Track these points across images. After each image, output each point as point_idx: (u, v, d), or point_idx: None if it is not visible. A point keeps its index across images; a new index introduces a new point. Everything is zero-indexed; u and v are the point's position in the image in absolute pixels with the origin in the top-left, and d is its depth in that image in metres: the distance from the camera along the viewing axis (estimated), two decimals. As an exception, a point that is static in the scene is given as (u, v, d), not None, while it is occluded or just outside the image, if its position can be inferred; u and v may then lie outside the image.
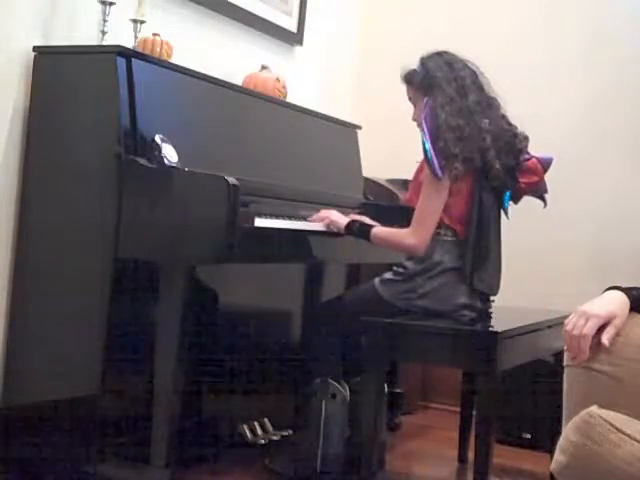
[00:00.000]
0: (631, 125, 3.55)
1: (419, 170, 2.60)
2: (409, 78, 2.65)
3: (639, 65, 3.56)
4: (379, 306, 2.54)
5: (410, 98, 2.67)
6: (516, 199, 2.67)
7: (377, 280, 2.61)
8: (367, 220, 2.70)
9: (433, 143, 2.43)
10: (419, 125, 2.59)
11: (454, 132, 2.45)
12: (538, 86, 3.68)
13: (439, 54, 2.60)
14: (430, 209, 2.50)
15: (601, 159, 3.59)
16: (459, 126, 2.46)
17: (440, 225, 2.53)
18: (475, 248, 2.54)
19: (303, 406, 2.73)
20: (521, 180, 2.62)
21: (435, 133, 2.45)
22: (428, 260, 2.53)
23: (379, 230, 2.58)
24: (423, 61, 2.60)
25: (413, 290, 2.54)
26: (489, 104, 2.58)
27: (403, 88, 2.71)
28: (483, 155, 2.51)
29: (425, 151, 2.45)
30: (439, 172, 2.43)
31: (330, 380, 2.62)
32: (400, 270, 2.58)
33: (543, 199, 2.68)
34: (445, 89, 2.51)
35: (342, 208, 2.73)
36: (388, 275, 2.60)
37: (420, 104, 2.58)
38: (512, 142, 2.59)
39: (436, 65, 2.57)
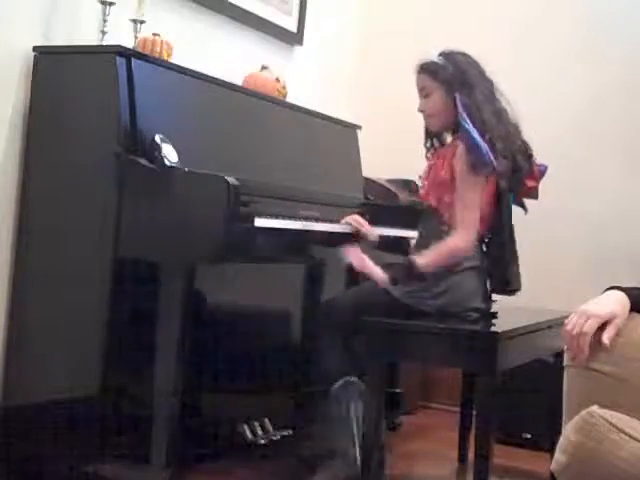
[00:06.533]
0: (628, 125, 3.55)
1: (439, 167, 2.56)
2: (433, 68, 2.58)
3: (636, 65, 3.56)
4: (387, 303, 2.49)
5: (422, 88, 2.61)
6: (515, 202, 2.67)
7: None
8: (394, 257, 2.65)
9: (482, 136, 2.43)
10: (429, 116, 2.60)
11: (496, 130, 2.47)
12: (535, 86, 3.68)
13: (463, 54, 2.59)
14: (473, 205, 2.48)
15: (598, 159, 3.59)
16: (497, 125, 2.49)
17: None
18: (499, 248, 2.55)
19: (308, 406, 2.64)
20: (528, 184, 2.63)
21: (481, 128, 2.44)
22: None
23: (426, 259, 2.46)
24: (449, 56, 2.57)
25: (427, 289, 2.49)
26: (506, 110, 2.59)
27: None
28: (514, 157, 2.52)
29: (473, 139, 2.42)
30: (492, 160, 2.42)
31: (354, 379, 2.48)
32: None
33: (523, 206, 2.68)
34: (482, 89, 2.52)
35: (342, 208, 2.73)
36: None
37: (439, 97, 2.56)
38: (526, 147, 2.60)
39: (466, 63, 2.56)
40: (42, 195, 2.43)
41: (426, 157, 2.70)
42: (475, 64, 2.58)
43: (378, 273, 2.47)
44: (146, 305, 2.31)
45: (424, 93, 2.62)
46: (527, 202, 2.69)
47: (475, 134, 2.43)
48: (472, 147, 2.43)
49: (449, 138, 2.69)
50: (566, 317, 1.67)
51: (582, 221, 3.60)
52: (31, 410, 2.39)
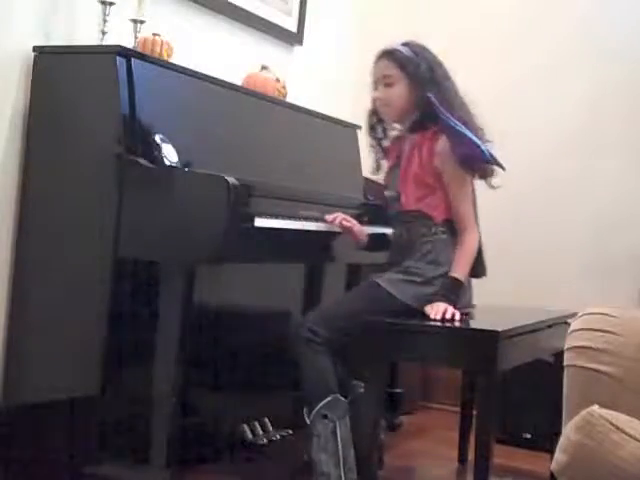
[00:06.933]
0: (630, 128, 3.55)
1: (416, 170, 2.52)
2: (401, 59, 2.52)
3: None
4: (394, 307, 2.43)
5: (387, 76, 2.53)
6: None
7: (382, 281, 2.47)
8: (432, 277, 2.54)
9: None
10: (388, 106, 2.56)
11: (477, 130, 2.47)
12: (538, 88, 3.68)
13: (429, 50, 2.55)
14: (471, 198, 2.53)
15: (600, 161, 3.59)
16: (474, 124, 2.48)
17: (457, 227, 2.52)
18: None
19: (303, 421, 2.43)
20: None
21: (464, 126, 2.44)
22: (447, 265, 2.47)
23: (460, 270, 2.46)
24: (416, 50, 2.53)
25: (435, 294, 2.44)
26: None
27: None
28: None
29: (467, 136, 2.41)
30: (494, 156, 2.42)
31: (338, 395, 2.36)
32: (412, 270, 2.48)
33: None
34: (449, 87, 2.51)
35: (342, 208, 2.72)
36: (397, 276, 2.47)
37: (404, 87, 2.52)
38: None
39: (433, 60, 2.53)
40: (42, 195, 2.43)
41: (371, 146, 2.68)
42: (439, 62, 2.55)
43: (456, 311, 2.42)
44: (146, 305, 2.31)
45: (387, 81, 2.54)
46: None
47: (467, 131, 2.42)
48: (468, 144, 2.42)
49: (394, 131, 2.67)
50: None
51: (582, 223, 3.59)
52: (31, 410, 2.39)
